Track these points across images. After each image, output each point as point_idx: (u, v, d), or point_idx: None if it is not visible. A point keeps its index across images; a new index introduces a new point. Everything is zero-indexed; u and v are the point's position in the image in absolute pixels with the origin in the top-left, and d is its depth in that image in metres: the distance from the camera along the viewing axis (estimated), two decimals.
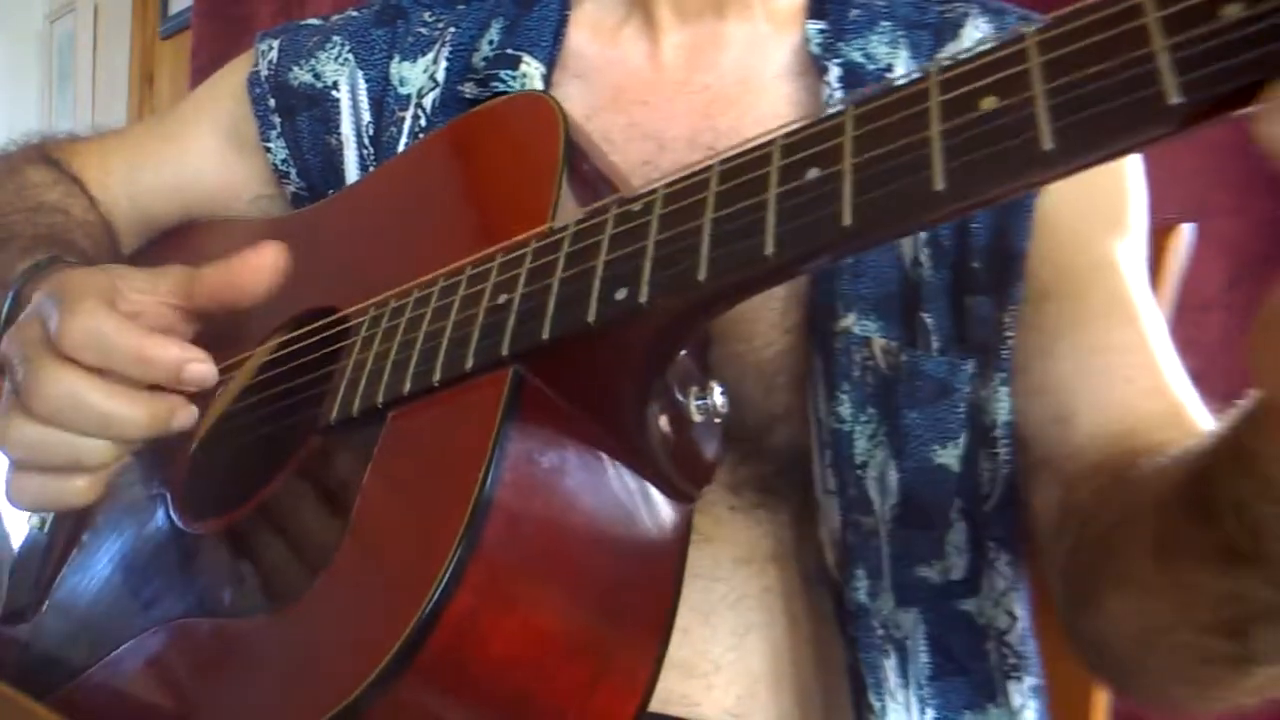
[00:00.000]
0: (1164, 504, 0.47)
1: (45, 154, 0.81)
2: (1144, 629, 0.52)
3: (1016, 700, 0.63)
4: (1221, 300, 0.91)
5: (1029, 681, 0.64)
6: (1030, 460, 0.62)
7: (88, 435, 0.53)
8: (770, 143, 0.42)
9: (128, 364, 0.52)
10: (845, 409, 0.60)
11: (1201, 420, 0.58)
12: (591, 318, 0.43)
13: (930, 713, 0.61)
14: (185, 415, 0.54)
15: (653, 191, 0.45)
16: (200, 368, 0.53)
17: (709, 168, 0.44)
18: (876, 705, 0.59)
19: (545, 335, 0.44)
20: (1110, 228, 0.65)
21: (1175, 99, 0.31)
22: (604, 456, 0.47)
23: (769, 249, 0.39)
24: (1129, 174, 0.66)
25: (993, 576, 0.64)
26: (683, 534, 0.49)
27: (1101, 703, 0.75)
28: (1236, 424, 0.41)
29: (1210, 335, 0.84)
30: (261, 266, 0.55)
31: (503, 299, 0.47)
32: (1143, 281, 0.65)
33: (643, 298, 0.42)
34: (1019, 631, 0.64)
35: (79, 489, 0.55)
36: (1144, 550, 0.49)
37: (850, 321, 0.60)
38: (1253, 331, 0.35)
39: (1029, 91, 0.34)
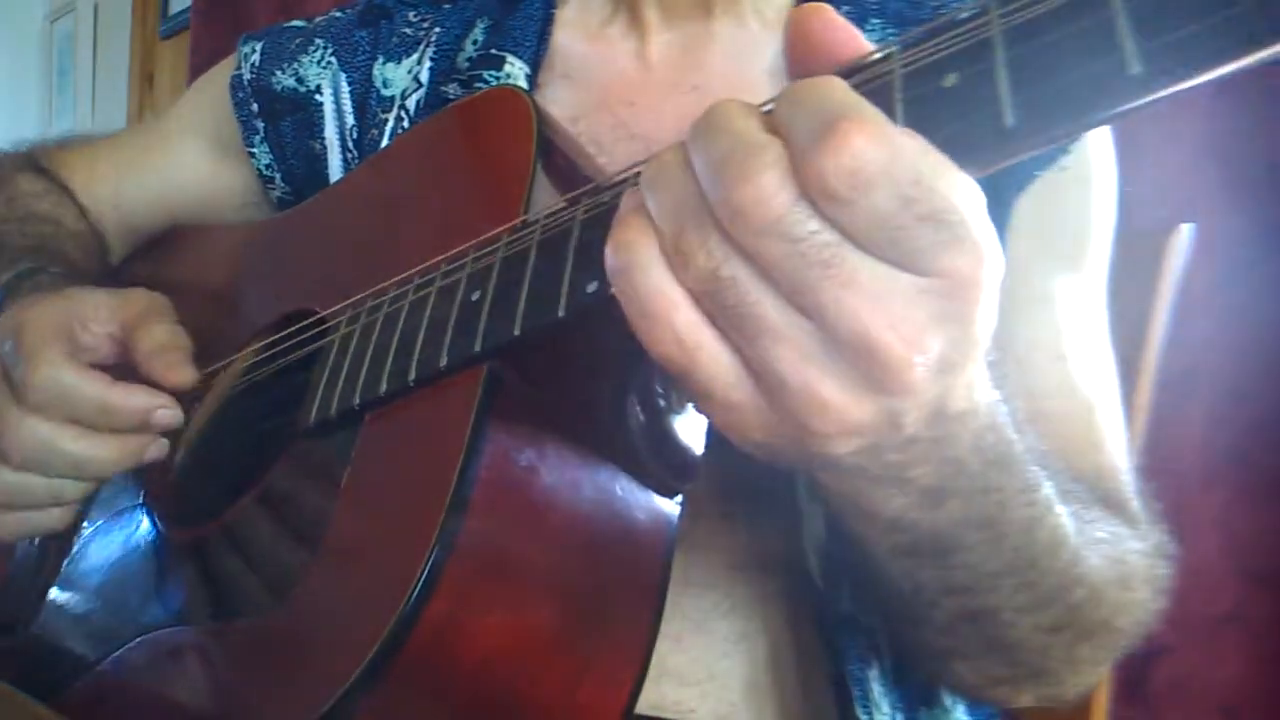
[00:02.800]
0: None
1: (35, 162, 0.81)
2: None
3: (948, 699, 0.63)
4: (1210, 301, 0.91)
5: None
6: None
7: (63, 478, 0.55)
8: None
9: (94, 416, 0.54)
10: None
11: (1120, 467, 0.59)
12: (562, 311, 0.42)
13: (900, 716, 0.60)
14: (155, 450, 0.56)
15: (623, 180, 0.44)
16: (165, 414, 0.55)
17: None
18: (864, 718, 0.58)
19: (517, 331, 0.43)
20: (1062, 264, 0.63)
21: (1136, 68, 0.31)
22: (583, 451, 0.46)
23: None
24: (1096, 208, 0.65)
25: None
26: (667, 529, 0.49)
27: (1101, 704, 0.75)
28: None
29: (1198, 335, 0.84)
30: (171, 386, 0.56)
31: (476, 295, 0.46)
32: (1090, 320, 0.64)
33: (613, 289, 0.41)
34: None
35: (58, 517, 0.58)
36: None
37: None
38: None
39: (991, 65, 0.33)
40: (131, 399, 0.55)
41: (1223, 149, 0.92)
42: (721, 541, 0.62)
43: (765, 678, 0.62)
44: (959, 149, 0.33)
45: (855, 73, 0.38)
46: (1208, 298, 0.89)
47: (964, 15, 0.35)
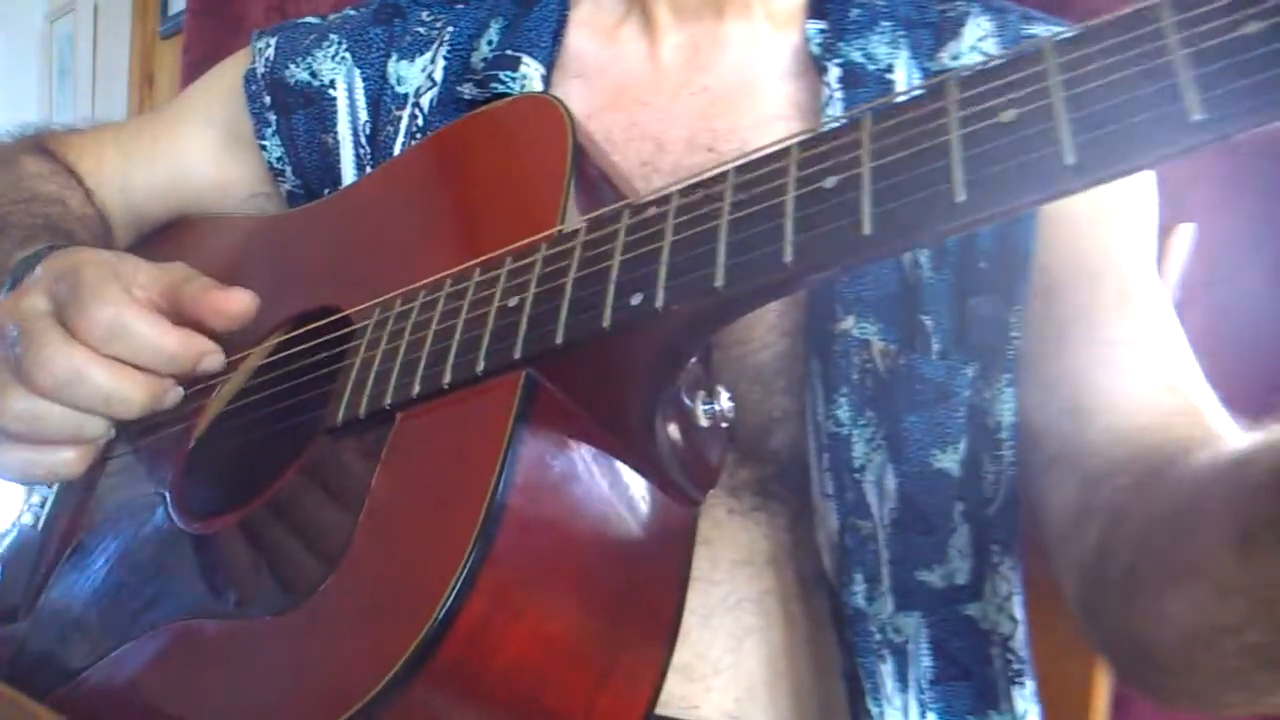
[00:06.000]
0: (1239, 498, 0.46)
1: (41, 145, 0.81)
2: (1206, 629, 0.50)
3: (1020, 706, 0.63)
4: (1201, 297, 0.90)
5: (1030, 686, 0.64)
6: (1042, 457, 0.62)
7: (86, 412, 0.54)
8: (786, 150, 0.42)
9: (150, 355, 0.54)
10: (844, 412, 0.59)
11: (1214, 412, 0.57)
12: (606, 322, 0.43)
13: (932, 717, 0.61)
14: (175, 395, 0.56)
15: (667, 198, 0.45)
16: (213, 359, 0.57)
17: (724, 174, 0.44)
18: (874, 711, 0.58)
19: (559, 339, 0.44)
20: (1116, 219, 0.64)
21: (1198, 115, 0.31)
22: (612, 460, 0.47)
23: (788, 257, 0.39)
24: None
25: (996, 581, 0.63)
26: (688, 538, 0.50)
27: (1101, 705, 0.75)
28: None
29: (1191, 333, 0.84)
30: (234, 312, 0.57)
31: (514, 301, 0.47)
32: (1152, 270, 0.64)
33: (658, 303, 0.42)
34: (1020, 636, 0.64)
35: (68, 460, 0.56)
36: (1219, 546, 0.47)
37: (849, 324, 0.60)
38: None
39: (1050, 105, 0.34)
40: (189, 343, 0.55)
41: (1223, 148, 0.92)
42: (726, 537, 0.62)
43: (773, 673, 0.62)
44: (1018, 184, 0.35)
45: (911, 103, 0.39)
46: (1199, 295, 0.90)
47: (1020, 55, 0.36)
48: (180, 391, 0.56)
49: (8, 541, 0.67)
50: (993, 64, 0.37)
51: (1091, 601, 0.58)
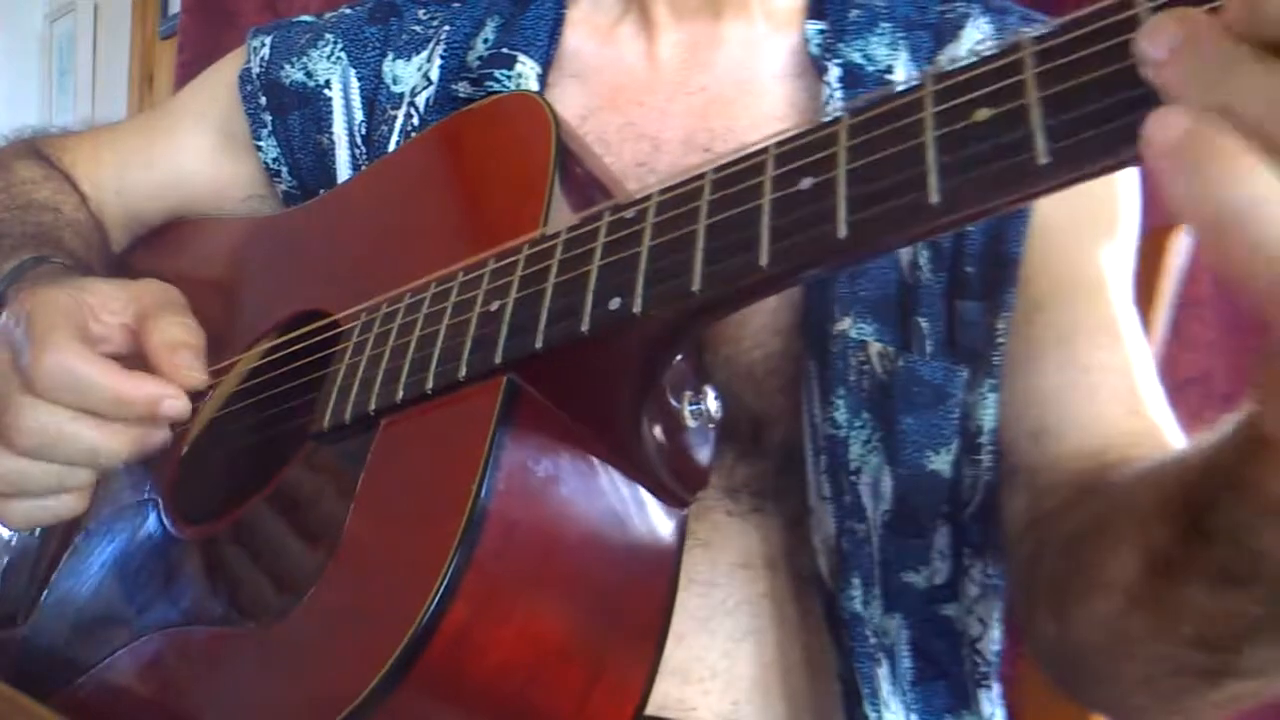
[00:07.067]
0: (1150, 521, 0.46)
1: (36, 149, 0.81)
2: (1116, 638, 0.51)
3: (986, 709, 0.63)
4: (1212, 299, 0.90)
5: (996, 689, 0.64)
6: (1005, 467, 0.62)
7: (70, 465, 0.54)
8: (764, 150, 0.42)
9: (104, 405, 0.53)
10: (841, 414, 0.59)
11: (1175, 441, 0.58)
12: (585, 327, 0.43)
13: (914, 717, 0.61)
14: (160, 437, 0.55)
15: (646, 198, 0.44)
16: (174, 404, 0.54)
17: (702, 175, 0.43)
18: (872, 715, 0.58)
19: (539, 344, 0.44)
20: (1103, 237, 0.64)
21: None
22: (598, 463, 0.47)
23: (763, 261, 0.39)
24: (1121, 180, 0.65)
25: (966, 583, 0.64)
26: (677, 539, 0.49)
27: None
28: (1230, 450, 0.40)
29: (1203, 334, 0.83)
30: (178, 382, 0.54)
31: (495, 306, 0.46)
32: (1128, 295, 0.64)
33: (636, 308, 0.42)
34: (989, 639, 0.64)
35: (69, 504, 0.56)
36: (1127, 563, 0.48)
37: (847, 325, 0.59)
38: (1256, 363, 0.34)
39: (1025, 104, 0.34)
40: (141, 388, 0.53)
41: None
42: (725, 539, 0.62)
43: (770, 676, 0.62)
44: (992, 187, 0.34)
45: (888, 101, 0.38)
46: (1210, 296, 0.89)
47: (998, 49, 0.35)
48: (167, 432, 0.55)
49: (7, 546, 0.67)
50: (972, 60, 0.37)
51: (1025, 609, 0.59)
